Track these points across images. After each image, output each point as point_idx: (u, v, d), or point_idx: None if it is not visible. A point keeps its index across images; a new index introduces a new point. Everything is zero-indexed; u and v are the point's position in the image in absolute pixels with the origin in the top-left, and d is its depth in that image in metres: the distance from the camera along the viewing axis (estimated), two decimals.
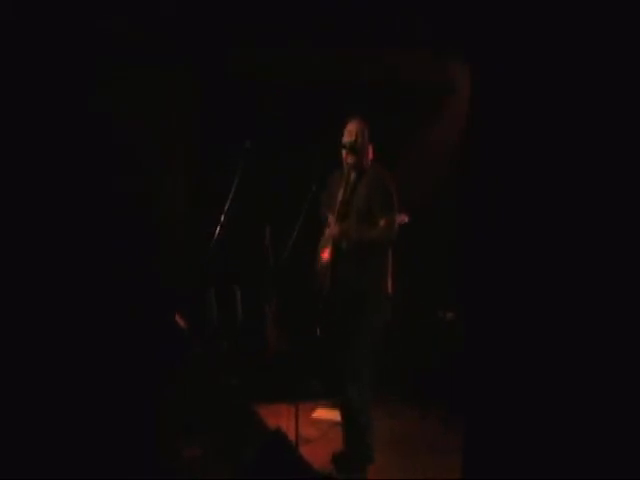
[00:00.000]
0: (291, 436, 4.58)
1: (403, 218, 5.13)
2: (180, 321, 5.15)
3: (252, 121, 6.11)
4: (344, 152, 4.81)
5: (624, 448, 3.65)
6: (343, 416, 5.02)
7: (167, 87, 5.85)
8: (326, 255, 4.89)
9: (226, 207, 4.80)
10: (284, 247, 4.71)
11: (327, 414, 6.26)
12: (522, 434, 3.86)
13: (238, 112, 6.31)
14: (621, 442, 3.65)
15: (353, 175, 4.87)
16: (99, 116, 4.89)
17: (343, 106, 4.98)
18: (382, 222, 4.76)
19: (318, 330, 4.93)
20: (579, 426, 3.73)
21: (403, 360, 6.29)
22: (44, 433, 4.25)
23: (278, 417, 5.42)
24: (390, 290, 4.89)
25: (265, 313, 6.48)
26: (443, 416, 6.00)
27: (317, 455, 5.12)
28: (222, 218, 4.80)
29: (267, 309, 6.48)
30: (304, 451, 4.68)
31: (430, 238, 5.78)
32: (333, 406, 6.04)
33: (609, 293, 3.86)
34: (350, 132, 4.79)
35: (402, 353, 6.21)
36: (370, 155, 4.91)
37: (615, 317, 3.90)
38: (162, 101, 5.78)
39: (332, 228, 4.77)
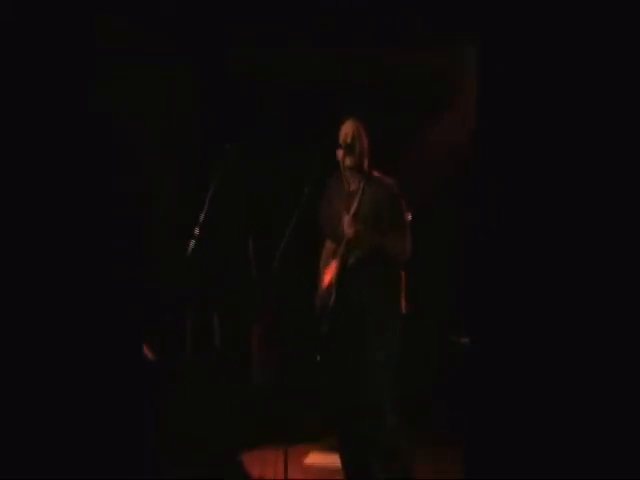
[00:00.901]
0: None
1: (407, 215, 4.77)
2: (148, 351, 4.68)
3: (252, 121, 6.07)
4: (341, 153, 4.53)
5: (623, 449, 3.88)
6: (366, 459, 4.48)
7: (167, 87, 5.74)
8: (330, 275, 4.53)
9: (201, 217, 4.39)
10: (272, 259, 4.36)
11: (323, 459, 5.49)
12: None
13: (238, 112, 6.16)
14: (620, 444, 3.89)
15: (355, 182, 4.57)
16: (99, 116, 4.85)
17: (343, 106, 4.82)
18: (394, 233, 4.46)
19: (318, 356, 4.47)
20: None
21: (413, 398, 5.32)
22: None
23: (264, 464, 4.86)
24: (404, 309, 4.54)
25: (249, 339, 5.90)
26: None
27: None
28: (196, 230, 4.38)
29: (251, 334, 5.88)
30: None
31: (431, 241, 5.44)
32: (330, 449, 5.25)
33: (613, 295, 4.03)
34: (346, 133, 4.54)
35: (412, 388, 5.16)
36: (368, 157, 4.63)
37: (615, 318, 4.10)
38: (162, 101, 5.71)
39: (346, 227, 4.38)
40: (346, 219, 4.39)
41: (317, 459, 5.50)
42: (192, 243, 4.34)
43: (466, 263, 4.72)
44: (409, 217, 4.59)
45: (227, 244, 5.76)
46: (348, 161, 4.51)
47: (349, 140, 4.50)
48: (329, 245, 4.69)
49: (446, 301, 5.94)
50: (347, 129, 4.55)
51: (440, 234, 5.72)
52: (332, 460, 4.93)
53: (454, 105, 5.95)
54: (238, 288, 5.80)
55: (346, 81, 6.03)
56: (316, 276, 4.80)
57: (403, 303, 4.51)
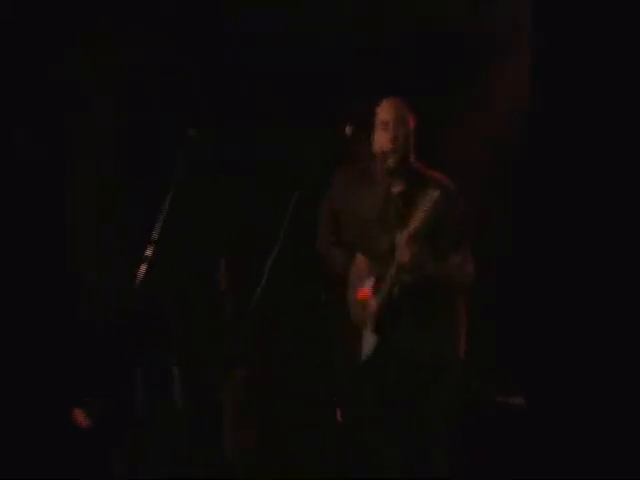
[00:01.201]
0: None
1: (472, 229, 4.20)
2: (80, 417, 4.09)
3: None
4: (380, 142, 3.82)
5: None
6: None
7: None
8: (365, 296, 3.89)
9: (155, 233, 3.65)
10: (253, 288, 3.67)
11: None
12: None
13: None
14: None
15: (400, 182, 3.88)
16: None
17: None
18: (455, 257, 3.77)
19: (338, 414, 4.02)
20: None
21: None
22: None
23: None
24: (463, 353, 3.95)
25: (221, 401, 4.76)
26: None
27: None
28: (148, 251, 3.66)
29: (224, 393, 4.75)
30: None
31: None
32: None
33: None
34: (389, 116, 3.83)
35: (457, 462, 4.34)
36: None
37: None
38: None
39: (402, 251, 3.65)
40: (400, 238, 3.68)
41: None
42: (143, 267, 3.74)
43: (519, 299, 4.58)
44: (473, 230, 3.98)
45: (190, 267, 5.05)
46: (392, 159, 3.82)
47: (393, 126, 3.81)
48: (361, 261, 4.03)
49: (493, 347, 4.97)
50: (389, 111, 3.83)
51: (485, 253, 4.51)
52: None
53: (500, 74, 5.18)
54: (204, 329, 4.94)
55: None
56: (315, 312, 4.58)
57: (463, 345, 3.92)
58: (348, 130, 4.04)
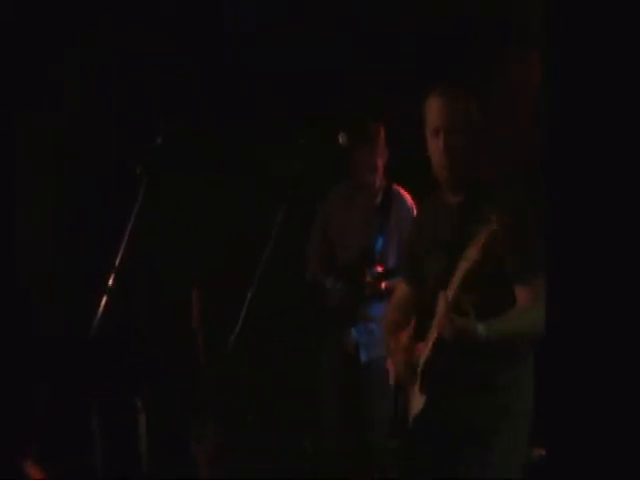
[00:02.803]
0: None
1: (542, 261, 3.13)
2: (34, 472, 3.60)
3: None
4: (437, 162, 2.87)
5: None
6: None
7: None
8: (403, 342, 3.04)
9: (118, 258, 3.18)
10: (230, 323, 3.18)
11: None
12: None
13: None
14: None
15: (460, 193, 2.95)
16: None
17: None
18: (523, 294, 2.81)
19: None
20: None
21: None
22: None
23: None
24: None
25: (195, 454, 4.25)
26: None
27: None
28: (110, 280, 3.19)
29: (198, 446, 4.20)
30: None
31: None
32: None
33: None
34: (439, 127, 2.83)
35: None
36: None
37: None
38: None
39: (439, 320, 2.79)
40: (441, 304, 2.78)
41: None
42: (103, 302, 3.23)
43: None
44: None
45: (158, 297, 4.62)
46: (446, 175, 2.90)
47: (444, 134, 2.84)
48: (400, 292, 3.21)
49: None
50: (440, 113, 2.86)
51: None
52: None
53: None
54: (174, 369, 4.45)
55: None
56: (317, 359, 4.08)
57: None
58: (342, 139, 3.68)
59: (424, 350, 2.94)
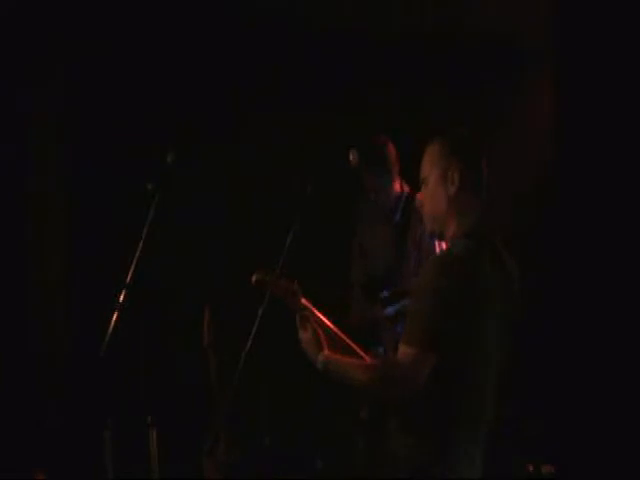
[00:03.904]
0: None
1: None
2: None
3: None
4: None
5: None
6: None
7: None
8: None
9: (129, 275, 3.21)
10: (242, 339, 3.14)
11: None
12: None
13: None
14: None
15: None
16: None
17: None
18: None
19: None
20: None
21: None
22: None
23: None
24: None
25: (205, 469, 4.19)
26: None
27: None
28: (121, 296, 3.20)
29: (209, 461, 4.14)
30: None
31: None
32: None
33: None
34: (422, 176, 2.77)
35: None
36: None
37: None
38: None
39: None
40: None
41: None
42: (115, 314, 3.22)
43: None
44: None
45: (169, 315, 4.62)
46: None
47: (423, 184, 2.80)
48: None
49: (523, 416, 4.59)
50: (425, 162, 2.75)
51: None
52: None
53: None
54: (185, 388, 4.42)
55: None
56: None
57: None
58: (353, 157, 3.60)
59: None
